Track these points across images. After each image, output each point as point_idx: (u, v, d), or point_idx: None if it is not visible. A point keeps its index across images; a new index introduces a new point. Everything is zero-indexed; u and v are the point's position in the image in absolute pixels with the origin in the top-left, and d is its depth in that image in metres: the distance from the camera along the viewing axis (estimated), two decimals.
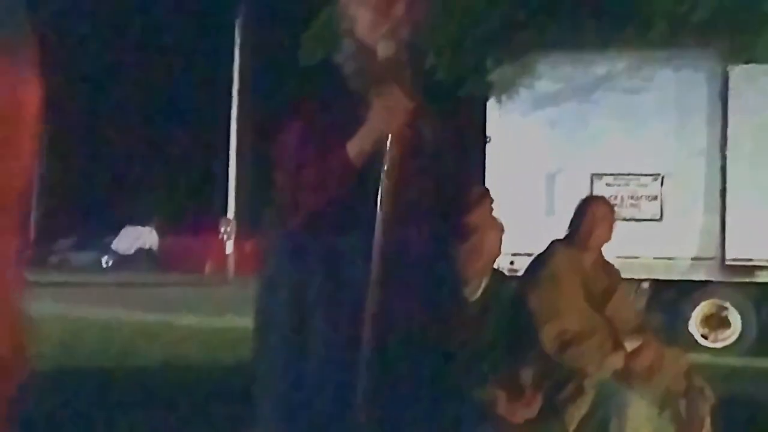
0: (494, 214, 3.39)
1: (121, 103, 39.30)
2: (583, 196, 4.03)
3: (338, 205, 2.06)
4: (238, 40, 29.04)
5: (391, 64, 2.16)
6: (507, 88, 9.39)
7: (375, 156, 2.08)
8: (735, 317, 9.17)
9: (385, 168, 2.08)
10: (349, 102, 2.15)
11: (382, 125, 2.09)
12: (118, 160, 40.15)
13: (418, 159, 2.16)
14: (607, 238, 3.64)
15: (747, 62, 8.81)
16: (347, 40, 2.23)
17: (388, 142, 2.09)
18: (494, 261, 3.38)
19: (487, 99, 9.55)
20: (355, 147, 2.08)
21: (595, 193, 8.36)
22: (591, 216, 3.59)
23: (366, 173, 2.07)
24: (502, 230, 3.41)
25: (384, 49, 2.15)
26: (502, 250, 3.47)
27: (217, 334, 9.22)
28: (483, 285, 3.39)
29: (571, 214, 3.70)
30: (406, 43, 2.18)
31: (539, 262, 3.63)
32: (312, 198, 2.07)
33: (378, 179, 2.08)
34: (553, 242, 3.67)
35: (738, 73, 8.89)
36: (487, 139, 9.59)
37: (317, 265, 2.09)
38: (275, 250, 2.22)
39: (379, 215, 2.06)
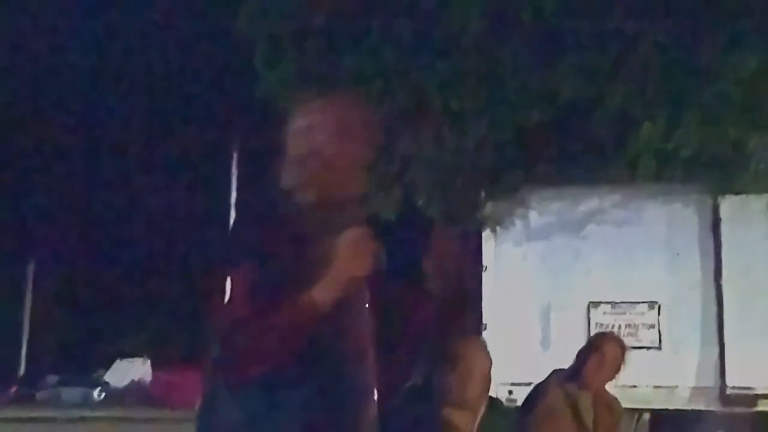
0: (483, 343, 3.38)
1: (113, 237, 39.49)
2: (587, 328, 4.02)
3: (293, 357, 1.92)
4: (235, 167, 29.52)
5: (350, 204, 2.08)
6: (500, 221, 9.52)
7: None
8: None
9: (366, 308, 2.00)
10: (303, 242, 2.00)
11: (352, 269, 1.96)
12: (111, 293, 39.97)
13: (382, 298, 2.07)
14: (610, 378, 3.61)
15: (736, 193, 8.97)
16: (305, 165, 2.09)
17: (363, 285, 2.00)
18: (488, 389, 3.36)
19: (481, 230, 9.66)
20: (323, 293, 1.94)
21: (592, 321, 8.36)
22: (599, 355, 3.56)
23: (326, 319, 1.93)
24: (489, 357, 3.40)
25: (347, 190, 2.08)
26: (492, 378, 3.45)
27: None
28: (478, 419, 3.36)
29: (570, 343, 3.69)
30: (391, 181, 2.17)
31: (537, 394, 3.61)
32: (271, 352, 1.90)
33: (336, 325, 1.95)
34: (553, 372, 3.66)
35: (728, 203, 9.04)
36: (484, 269, 9.65)
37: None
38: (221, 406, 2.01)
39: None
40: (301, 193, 2.08)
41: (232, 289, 2.01)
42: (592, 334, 7.38)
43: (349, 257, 1.95)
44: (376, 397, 2.04)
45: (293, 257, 1.96)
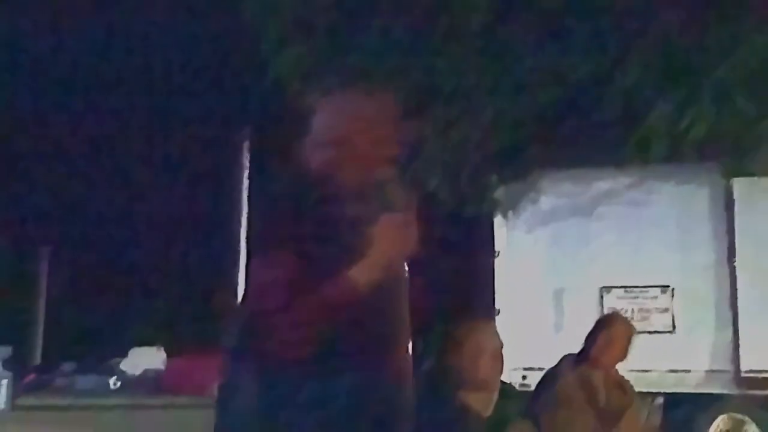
0: (491, 324, 3.36)
1: (128, 223, 39.72)
2: (598, 311, 4.02)
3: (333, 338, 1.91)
4: (246, 163, 29.56)
5: (390, 187, 2.09)
6: (512, 205, 9.49)
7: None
8: None
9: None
10: (343, 227, 2.00)
11: (394, 251, 1.97)
12: (125, 283, 40.20)
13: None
14: (622, 358, 3.61)
15: (749, 175, 8.91)
16: (340, 148, 2.10)
17: (404, 268, 1.99)
18: (500, 370, 3.34)
19: (493, 215, 9.63)
20: (364, 275, 1.94)
21: (605, 306, 8.33)
22: (608, 335, 3.57)
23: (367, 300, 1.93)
24: (499, 340, 3.38)
25: (383, 173, 2.10)
26: (504, 359, 3.43)
27: None
28: (494, 400, 3.35)
29: (583, 328, 3.68)
30: (402, 166, 2.16)
31: (550, 378, 3.60)
32: (309, 331, 1.89)
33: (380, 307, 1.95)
34: (564, 357, 3.65)
35: (741, 185, 8.98)
36: (496, 254, 9.63)
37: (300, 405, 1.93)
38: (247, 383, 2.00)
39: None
40: (334, 176, 2.08)
41: (264, 275, 1.97)
42: None
43: (391, 240, 1.95)
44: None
45: (328, 240, 1.96)
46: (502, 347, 3.00)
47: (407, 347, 2.04)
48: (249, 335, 2.00)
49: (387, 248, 1.96)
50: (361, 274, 1.93)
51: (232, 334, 2.09)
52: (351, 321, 1.93)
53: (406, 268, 2.07)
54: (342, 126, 2.11)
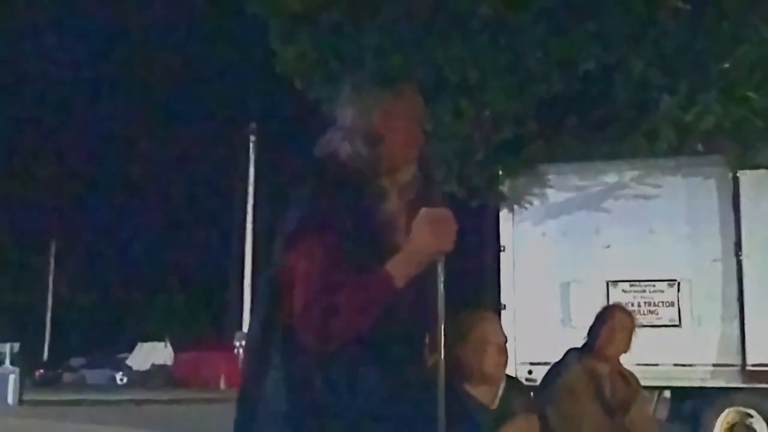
0: (494, 317, 3.36)
1: (134, 220, 39.82)
2: (603, 305, 4.02)
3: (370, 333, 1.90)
4: (253, 156, 29.58)
5: (421, 183, 2.12)
6: (519, 199, 9.47)
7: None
8: (761, 425, 8.94)
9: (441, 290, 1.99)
10: (380, 218, 2.03)
11: (433, 245, 1.97)
12: (131, 276, 40.29)
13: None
14: (626, 349, 3.62)
15: (756, 167, 8.88)
16: (380, 145, 2.12)
17: (440, 264, 1.99)
18: (505, 362, 3.34)
19: (499, 209, 9.62)
20: (401, 268, 1.94)
21: (611, 300, 8.31)
22: (610, 325, 3.58)
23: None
24: (502, 333, 3.39)
25: (406, 173, 2.12)
26: (508, 351, 3.44)
27: None
28: (500, 393, 3.35)
29: (589, 322, 3.68)
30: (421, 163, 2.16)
31: (556, 372, 3.60)
32: (347, 324, 1.89)
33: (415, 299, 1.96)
34: (569, 351, 3.65)
35: (749, 177, 8.95)
36: (501, 249, 9.62)
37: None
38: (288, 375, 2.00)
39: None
40: (370, 171, 2.10)
41: (302, 263, 1.96)
42: None
43: (429, 234, 1.95)
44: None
45: (367, 232, 1.98)
46: (506, 340, 3.00)
47: (439, 341, 2.05)
48: (275, 326, 2.00)
49: (423, 242, 1.96)
50: (398, 267, 1.94)
51: (254, 325, 2.08)
52: (387, 314, 1.93)
53: (442, 264, 2.07)
54: (378, 121, 2.13)
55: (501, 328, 2.96)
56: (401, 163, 2.13)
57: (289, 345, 1.97)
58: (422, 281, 2.02)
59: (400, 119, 2.15)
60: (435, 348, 2.05)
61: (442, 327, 2.05)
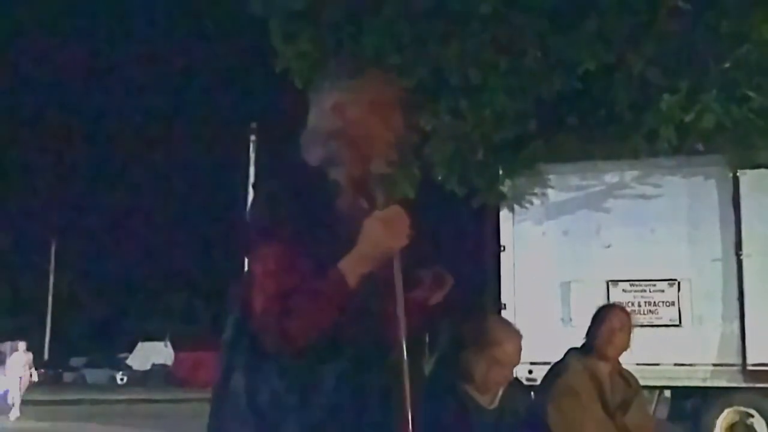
0: (515, 330, 3.36)
1: (134, 220, 39.86)
2: (601, 304, 4.01)
3: (326, 332, 1.89)
4: (253, 156, 29.60)
5: (386, 179, 2.08)
6: (519, 198, 9.48)
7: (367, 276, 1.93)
8: (761, 425, 8.94)
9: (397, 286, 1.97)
10: (335, 217, 2.00)
11: (385, 242, 1.95)
12: (131, 276, 40.31)
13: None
14: (625, 347, 3.62)
15: (756, 167, 8.88)
16: (336, 142, 2.09)
17: (396, 261, 1.97)
18: (511, 374, 3.35)
19: (499, 209, 9.62)
20: (352, 266, 1.92)
21: (611, 299, 8.31)
22: (609, 325, 3.58)
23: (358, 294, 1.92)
24: (520, 338, 3.40)
25: (378, 167, 2.07)
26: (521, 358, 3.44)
27: None
28: (500, 394, 3.36)
29: (588, 322, 3.68)
30: (400, 157, 2.14)
31: (556, 372, 3.60)
32: (305, 325, 1.88)
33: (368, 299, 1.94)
34: (569, 351, 3.65)
35: (748, 177, 8.96)
36: (502, 249, 9.62)
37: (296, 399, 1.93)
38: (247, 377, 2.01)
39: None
40: (331, 169, 2.07)
41: (258, 265, 1.96)
42: None
43: (380, 232, 1.93)
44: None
45: (324, 232, 1.95)
46: (520, 352, 2.99)
47: (400, 341, 2.03)
48: (244, 328, 2.00)
49: (374, 239, 1.93)
50: (349, 266, 1.92)
51: (228, 326, 2.09)
52: (341, 313, 1.92)
53: (398, 262, 2.05)
54: (337, 118, 2.09)
55: (519, 340, 2.92)
56: (367, 156, 2.08)
57: (254, 346, 1.96)
58: (381, 279, 2.00)
59: (360, 109, 2.08)
60: (397, 347, 2.02)
61: (403, 325, 2.03)
